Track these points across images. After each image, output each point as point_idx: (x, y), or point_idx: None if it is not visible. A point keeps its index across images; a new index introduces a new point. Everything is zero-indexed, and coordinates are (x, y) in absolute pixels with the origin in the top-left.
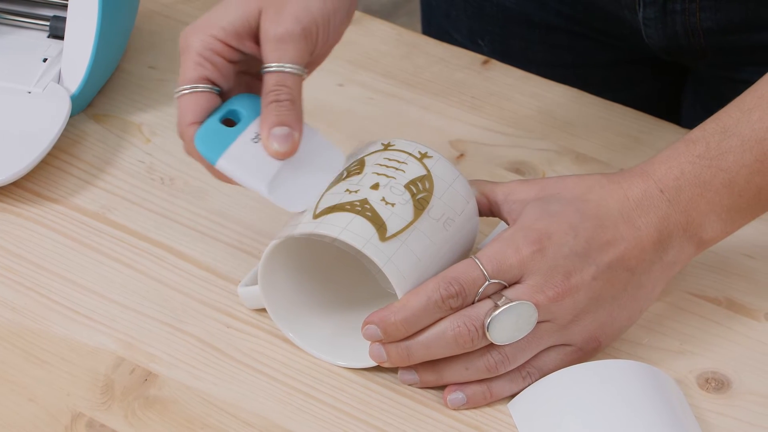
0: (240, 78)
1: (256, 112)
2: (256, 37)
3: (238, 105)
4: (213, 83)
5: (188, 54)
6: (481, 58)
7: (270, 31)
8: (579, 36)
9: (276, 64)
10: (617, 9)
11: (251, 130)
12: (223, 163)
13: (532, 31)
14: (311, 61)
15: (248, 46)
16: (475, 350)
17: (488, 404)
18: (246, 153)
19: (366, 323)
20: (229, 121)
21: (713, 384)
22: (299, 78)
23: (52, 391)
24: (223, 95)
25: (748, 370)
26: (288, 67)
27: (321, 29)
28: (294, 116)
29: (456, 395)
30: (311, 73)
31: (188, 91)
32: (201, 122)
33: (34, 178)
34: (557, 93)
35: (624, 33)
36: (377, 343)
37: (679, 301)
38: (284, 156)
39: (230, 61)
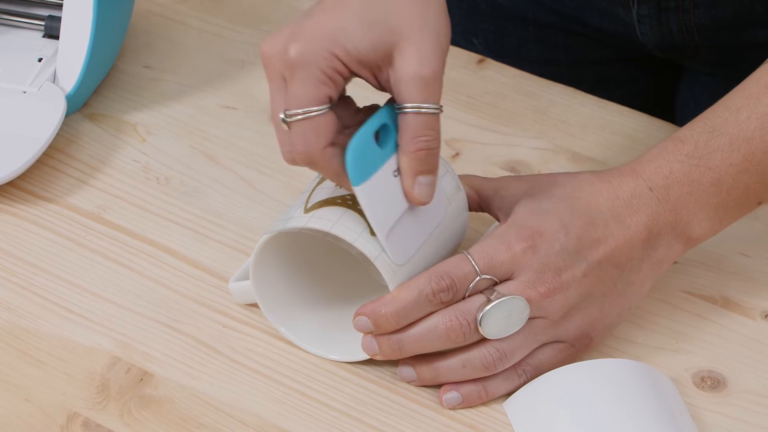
0: None
1: (396, 129)
2: (376, 67)
3: (388, 119)
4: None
5: (310, 70)
6: (476, 57)
7: (414, 70)
8: (573, 34)
9: (426, 105)
10: (611, 6)
11: (393, 160)
12: (363, 190)
13: (526, 29)
14: None
15: (364, 74)
16: (472, 347)
17: (483, 403)
18: (382, 186)
19: (357, 314)
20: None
21: (709, 382)
22: (439, 117)
23: (47, 391)
24: None
25: (744, 368)
26: (434, 108)
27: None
28: (437, 163)
29: (451, 395)
30: None
31: (319, 112)
32: (332, 145)
33: (30, 178)
34: (552, 92)
35: (618, 30)
36: (369, 336)
37: (674, 299)
38: (423, 204)
39: (344, 82)
